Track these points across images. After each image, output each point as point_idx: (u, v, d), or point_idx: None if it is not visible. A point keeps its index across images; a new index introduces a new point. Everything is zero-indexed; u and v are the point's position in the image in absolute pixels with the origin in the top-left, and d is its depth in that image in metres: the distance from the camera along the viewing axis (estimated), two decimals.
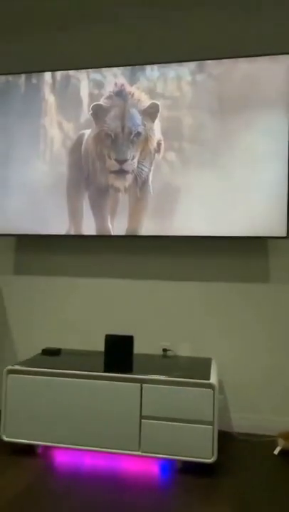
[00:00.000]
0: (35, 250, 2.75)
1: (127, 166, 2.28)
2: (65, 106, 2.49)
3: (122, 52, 2.60)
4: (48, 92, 2.53)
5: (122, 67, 2.43)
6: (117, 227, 2.41)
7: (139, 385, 2.01)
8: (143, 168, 2.28)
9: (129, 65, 2.42)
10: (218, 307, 2.50)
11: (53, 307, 2.70)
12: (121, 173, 2.29)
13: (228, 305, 2.49)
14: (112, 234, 2.43)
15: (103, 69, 2.45)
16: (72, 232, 2.49)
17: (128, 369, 2.10)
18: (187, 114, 2.32)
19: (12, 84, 2.58)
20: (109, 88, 2.41)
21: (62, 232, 2.51)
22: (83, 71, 2.49)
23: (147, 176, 2.30)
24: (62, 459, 2.08)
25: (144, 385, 2.00)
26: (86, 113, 2.45)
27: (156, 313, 2.57)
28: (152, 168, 2.30)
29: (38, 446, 2.11)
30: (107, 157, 2.31)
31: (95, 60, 2.63)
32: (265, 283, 2.45)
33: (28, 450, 2.11)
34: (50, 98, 2.51)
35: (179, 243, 2.55)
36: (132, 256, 2.61)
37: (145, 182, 2.30)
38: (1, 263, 2.79)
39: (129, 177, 2.29)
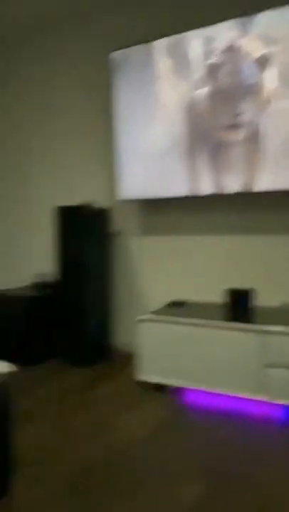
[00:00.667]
0: (159, 212, 2.94)
1: (240, 120, 2.30)
2: (178, 67, 2.55)
3: (232, 4, 2.54)
4: (161, 56, 2.62)
5: (232, 20, 2.37)
6: (234, 180, 2.44)
7: (260, 335, 2.09)
8: (256, 120, 2.28)
9: (240, 17, 2.36)
10: None
11: (176, 264, 2.89)
12: (235, 127, 2.32)
13: None
14: (229, 188, 2.46)
15: (214, 25, 2.43)
16: (192, 190, 2.58)
17: (249, 320, 2.19)
18: None
19: (128, 55, 2.74)
20: (221, 43, 2.40)
21: (184, 191, 2.61)
22: (195, 30, 2.50)
23: (262, 127, 2.29)
24: (191, 397, 2.28)
25: (265, 336, 2.08)
26: (199, 72, 2.48)
27: (276, 267, 2.59)
28: (267, 119, 2.27)
29: (168, 385, 2.33)
30: (221, 113, 2.36)
31: (206, 16, 2.61)
32: None
33: (160, 389, 2.36)
34: (163, 62, 2.60)
35: None
36: (250, 213, 2.64)
37: (259, 134, 2.30)
38: (130, 225, 3.06)
39: (244, 130, 2.31)
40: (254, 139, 2.31)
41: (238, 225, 2.69)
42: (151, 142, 2.71)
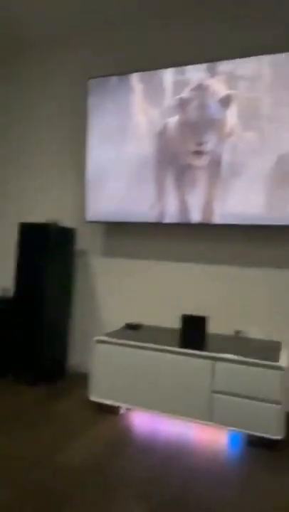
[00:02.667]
0: (123, 234, 3.00)
1: (204, 148, 2.59)
2: (151, 96, 2.76)
3: (201, 49, 2.76)
4: (136, 85, 2.81)
5: (201, 64, 2.64)
6: (196, 200, 2.64)
7: (211, 362, 2.18)
8: (218, 149, 2.56)
9: (209, 61, 2.62)
10: None
11: (135, 287, 2.95)
12: (199, 154, 2.59)
13: None
14: (191, 216, 2.64)
15: (186, 67, 2.68)
16: (157, 215, 2.74)
17: (202, 347, 2.26)
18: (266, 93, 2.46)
19: (110, 83, 2.90)
20: (191, 82, 2.67)
21: (149, 215, 2.75)
22: (168, 69, 2.73)
23: (221, 156, 2.56)
24: (140, 420, 2.33)
25: (216, 363, 2.17)
26: (169, 102, 2.71)
27: (230, 296, 2.69)
28: (227, 149, 2.55)
29: (120, 407, 2.38)
30: (188, 140, 2.63)
31: (179, 58, 2.82)
32: None
33: (112, 410, 2.39)
34: (137, 90, 2.79)
35: (253, 229, 2.65)
36: (209, 242, 2.76)
37: (220, 162, 2.57)
38: (93, 246, 3.09)
39: (206, 157, 2.58)
40: (216, 165, 2.58)
41: (197, 253, 2.78)
42: (121, 163, 2.84)
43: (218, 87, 2.59)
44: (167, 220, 2.72)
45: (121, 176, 2.85)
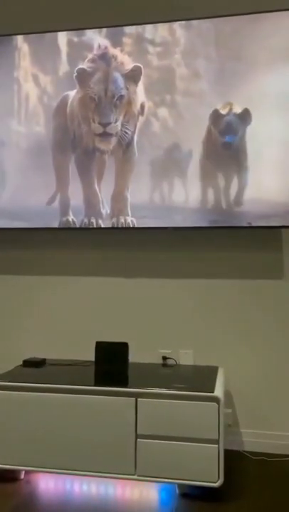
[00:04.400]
0: (14, 245, 2.79)
1: (110, 129, 2.56)
2: (42, 60, 2.69)
3: (104, 12, 2.66)
4: (21, 45, 2.70)
5: (105, 29, 2.58)
6: (105, 190, 2.60)
7: (134, 399, 2.04)
8: (127, 130, 2.55)
9: (113, 26, 2.56)
10: (225, 308, 2.53)
11: (34, 311, 2.75)
12: (105, 135, 2.56)
13: (236, 306, 2.52)
14: (100, 198, 2.61)
15: (86, 30, 2.61)
16: (57, 199, 2.66)
17: (122, 381, 2.14)
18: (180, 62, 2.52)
19: None
20: (92, 51, 2.61)
21: (46, 201, 2.65)
22: (64, 32, 2.63)
23: (132, 138, 2.55)
24: (48, 485, 2.13)
25: (139, 400, 2.04)
26: (66, 72, 2.66)
27: (154, 316, 2.60)
28: (137, 130, 2.55)
29: (20, 471, 2.15)
30: (91, 120, 2.59)
31: (78, 19, 2.67)
32: (280, 279, 2.48)
33: (9, 476, 2.15)
34: (26, 53, 2.70)
35: (177, 233, 2.57)
36: (125, 250, 2.65)
37: (130, 144, 2.56)
38: None
39: (114, 140, 2.57)
40: (123, 148, 2.58)
41: (108, 263, 2.67)
42: (6, 146, 2.70)
43: (125, 58, 2.56)
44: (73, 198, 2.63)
45: (8, 164, 2.70)
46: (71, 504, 1.97)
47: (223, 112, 2.43)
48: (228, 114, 2.42)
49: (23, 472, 2.16)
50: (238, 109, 2.41)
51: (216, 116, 2.44)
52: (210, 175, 2.46)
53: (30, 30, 2.67)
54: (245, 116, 2.41)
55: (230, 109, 2.42)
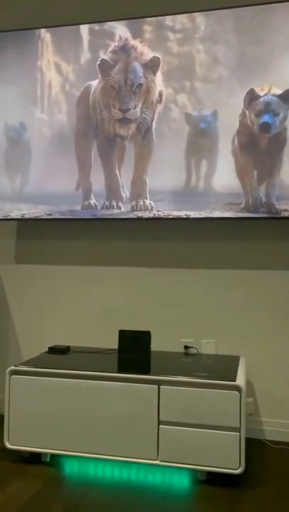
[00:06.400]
0: (39, 234, 2.84)
1: (130, 115, 2.62)
2: (64, 50, 2.76)
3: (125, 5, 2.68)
4: (47, 40, 2.76)
5: (124, 21, 2.64)
6: (124, 175, 2.66)
7: (156, 386, 2.07)
8: (146, 116, 2.61)
9: (133, 18, 2.62)
10: (247, 298, 2.54)
11: (59, 300, 2.81)
12: (125, 121, 2.63)
13: (259, 296, 2.53)
14: (120, 183, 2.68)
15: (107, 23, 2.67)
16: (81, 186, 2.73)
17: (145, 369, 2.18)
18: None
19: (11, 38, 2.79)
20: (114, 41, 2.68)
21: (71, 188, 2.72)
22: (86, 25, 2.70)
23: (150, 124, 2.61)
24: (71, 467, 2.18)
25: (162, 387, 2.07)
26: (88, 62, 2.72)
27: (177, 305, 2.63)
28: (156, 116, 2.61)
29: (45, 454, 2.22)
30: (112, 107, 2.65)
31: (98, 13, 2.72)
32: None
33: (35, 458, 2.22)
34: (49, 44, 2.75)
35: (200, 224, 2.59)
36: (149, 241, 2.68)
37: (149, 130, 2.62)
38: (2, 250, 2.91)
39: (133, 125, 2.63)
40: (142, 134, 2.65)
41: (131, 254, 2.70)
42: (30, 134, 2.77)
43: (145, 49, 2.61)
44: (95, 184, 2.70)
45: (33, 150, 2.78)
46: (93, 486, 2.03)
47: (261, 93, 2.40)
48: (266, 94, 2.39)
49: (49, 455, 2.21)
50: (277, 91, 2.39)
51: (251, 97, 2.42)
52: (239, 161, 2.48)
53: (52, 21, 2.72)
54: (287, 97, 2.37)
55: (269, 90, 2.39)
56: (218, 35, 2.49)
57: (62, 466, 2.20)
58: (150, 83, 2.61)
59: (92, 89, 2.70)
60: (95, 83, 2.69)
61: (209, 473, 2.03)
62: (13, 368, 2.24)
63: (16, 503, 1.89)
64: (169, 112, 2.58)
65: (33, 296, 2.86)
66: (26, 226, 2.87)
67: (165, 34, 2.59)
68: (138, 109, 2.61)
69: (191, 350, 2.56)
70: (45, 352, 2.55)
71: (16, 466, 2.18)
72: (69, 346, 2.58)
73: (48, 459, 2.22)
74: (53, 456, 2.22)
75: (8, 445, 2.22)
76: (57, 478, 2.10)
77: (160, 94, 2.60)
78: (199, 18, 2.52)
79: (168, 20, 2.57)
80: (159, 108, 2.60)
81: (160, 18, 2.58)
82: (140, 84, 2.61)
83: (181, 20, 2.55)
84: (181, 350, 2.57)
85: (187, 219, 2.52)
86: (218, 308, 2.59)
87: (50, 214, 2.72)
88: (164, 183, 2.58)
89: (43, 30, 2.73)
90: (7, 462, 2.21)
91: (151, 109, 2.60)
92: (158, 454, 2.07)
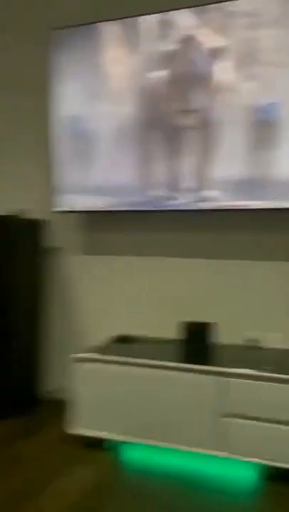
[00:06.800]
0: (106, 226, 2.90)
1: (193, 105, 2.64)
2: (128, 41, 2.75)
3: None
4: (108, 27, 2.79)
5: (188, 9, 2.61)
6: (187, 165, 2.66)
7: (222, 378, 2.07)
8: (209, 106, 2.61)
9: (196, 6, 2.58)
10: None
11: (125, 291, 2.85)
12: (187, 112, 2.64)
13: None
14: (183, 173, 2.66)
15: (168, 12, 2.65)
16: (144, 178, 2.74)
17: (209, 360, 2.17)
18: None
19: (77, 33, 2.83)
20: (177, 31, 2.67)
21: (135, 180, 2.74)
22: (147, 16, 2.69)
23: (214, 113, 2.60)
24: (135, 455, 2.21)
25: (227, 379, 2.06)
26: (152, 54, 2.72)
27: (242, 298, 2.61)
28: (219, 105, 2.59)
29: (108, 440, 2.25)
30: (175, 98, 2.67)
31: (160, 3, 2.71)
32: None
33: (98, 444, 2.26)
34: (110, 32, 2.77)
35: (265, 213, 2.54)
36: (213, 232, 2.67)
37: (212, 120, 2.61)
38: (69, 242, 2.98)
39: (196, 116, 2.63)
40: (207, 125, 2.63)
41: (197, 245, 2.70)
42: (95, 126, 2.81)
43: (208, 37, 2.59)
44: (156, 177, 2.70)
45: (98, 146, 2.81)
46: (156, 476, 2.05)
47: None
48: None
49: (111, 441, 2.25)
50: None
51: None
52: None
53: (113, 13, 2.77)
54: None
55: None
56: (287, 18, 2.42)
57: (124, 453, 2.23)
58: (213, 72, 2.59)
59: (156, 81, 2.72)
60: (157, 74, 2.70)
61: (276, 468, 2.00)
62: (78, 355, 2.30)
63: (81, 489, 1.93)
64: (233, 101, 2.55)
65: (101, 287, 2.92)
66: (92, 218, 2.93)
67: (230, 20, 2.54)
68: (201, 99, 2.60)
69: (255, 344, 2.54)
70: (110, 340, 2.60)
71: (80, 452, 2.23)
72: (133, 335, 2.62)
73: (111, 446, 2.26)
74: (116, 443, 2.25)
75: (71, 431, 2.28)
76: (119, 466, 2.13)
77: (224, 83, 2.58)
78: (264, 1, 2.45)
79: (232, 5, 2.53)
80: (223, 97, 2.58)
81: (223, 3, 2.53)
82: (203, 74, 2.60)
83: (245, 5, 2.49)
84: (246, 343, 2.56)
85: (254, 210, 2.47)
86: (286, 302, 2.54)
87: (114, 206, 2.75)
88: (227, 173, 2.56)
89: (105, 24, 2.76)
90: (71, 448, 2.27)
91: (215, 99, 2.59)
92: (224, 446, 2.06)
